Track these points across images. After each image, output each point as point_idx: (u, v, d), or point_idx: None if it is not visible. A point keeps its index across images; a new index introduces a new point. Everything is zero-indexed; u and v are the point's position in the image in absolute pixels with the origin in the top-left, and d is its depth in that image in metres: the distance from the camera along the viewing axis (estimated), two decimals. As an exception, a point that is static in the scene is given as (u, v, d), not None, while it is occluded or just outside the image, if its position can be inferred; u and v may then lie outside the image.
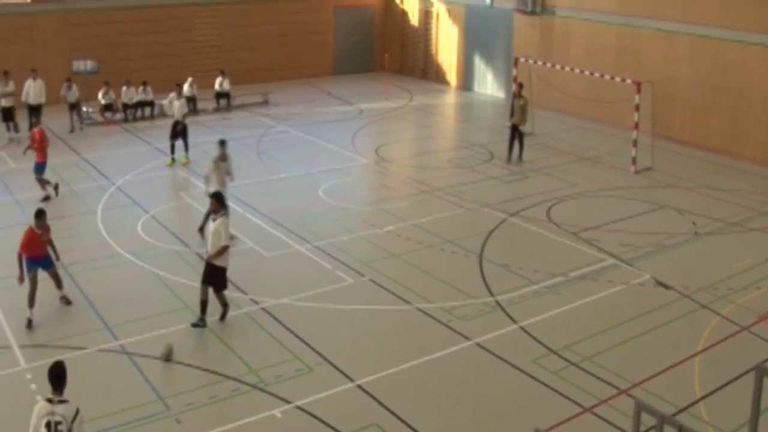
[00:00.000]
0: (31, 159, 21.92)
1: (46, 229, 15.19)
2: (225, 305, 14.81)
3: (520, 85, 25.95)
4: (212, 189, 18.20)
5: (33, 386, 12.82)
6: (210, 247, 14.57)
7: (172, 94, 31.67)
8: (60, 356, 13.48)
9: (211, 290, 14.66)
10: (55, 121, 29.14)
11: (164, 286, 16.37)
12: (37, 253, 14.95)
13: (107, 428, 11.67)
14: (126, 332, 14.48)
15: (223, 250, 14.42)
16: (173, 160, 24.94)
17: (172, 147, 25.04)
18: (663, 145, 26.00)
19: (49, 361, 13.19)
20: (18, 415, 11.99)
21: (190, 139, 25.43)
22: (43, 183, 21.85)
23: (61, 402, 8.87)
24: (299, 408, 12.12)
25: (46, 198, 21.55)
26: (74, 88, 29.16)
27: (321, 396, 12.43)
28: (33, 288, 14.84)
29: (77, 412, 8.89)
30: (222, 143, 19.15)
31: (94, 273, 17.17)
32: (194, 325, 14.44)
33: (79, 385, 12.77)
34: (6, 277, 16.83)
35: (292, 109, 32.67)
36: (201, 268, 16.88)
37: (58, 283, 15.50)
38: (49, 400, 8.86)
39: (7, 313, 15.22)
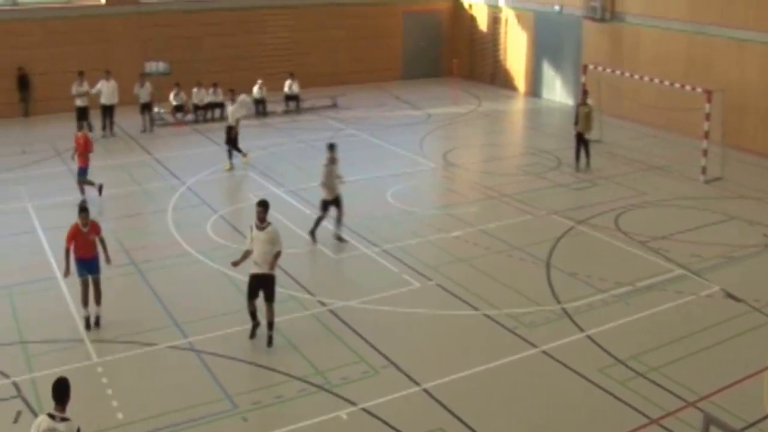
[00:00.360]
0: (104, 156, 22.33)
1: (93, 226, 14.86)
2: (272, 324, 14.21)
3: (585, 93, 25.53)
4: (326, 195, 18.69)
5: (104, 380, 13.15)
6: (258, 257, 14.04)
7: (242, 96, 32.25)
8: (130, 351, 13.97)
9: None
10: (127, 121, 29.77)
11: (232, 285, 16.59)
12: (84, 252, 14.71)
13: (175, 424, 11.89)
14: (195, 330, 14.74)
15: (278, 256, 14.19)
16: (232, 165, 24.93)
17: (229, 152, 25.01)
18: (733, 155, 25.49)
19: (120, 356, 13.76)
20: (88, 408, 12.35)
21: (259, 141, 25.73)
22: (88, 184, 21.94)
23: (64, 420, 8.81)
24: (365, 410, 12.20)
25: (101, 187, 22.01)
26: (147, 85, 29.72)
27: (387, 399, 12.50)
28: (84, 291, 14.84)
29: (78, 431, 8.93)
30: (331, 147, 19.06)
31: (165, 271, 17.52)
32: (252, 337, 14.40)
33: (149, 381, 13.17)
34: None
35: (361, 112, 32.88)
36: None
37: (98, 296, 14.97)
38: (51, 416, 8.83)
39: (79, 307, 15.51)
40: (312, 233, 18.84)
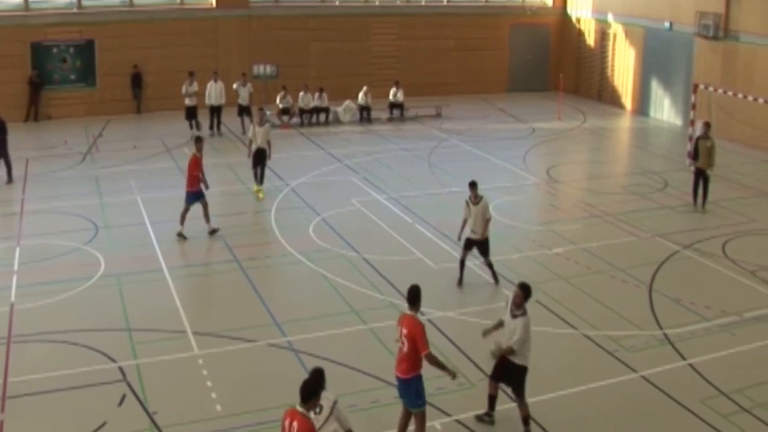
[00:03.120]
0: (212, 155, 22.77)
1: (415, 335, 11.00)
2: (526, 420, 12.01)
3: (707, 125, 23.16)
4: (471, 235, 17.02)
5: (204, 372, 13.44)
6: (504, 343, 11.88)
7: (347, 102, 32.60)
8: (231, 346, 14.33)
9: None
10: (235, 122, 30.31)
11: (332, 288, 16.76)
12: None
13: (269, 420, 11.96)
14: (294, 330, 14.93)
15: (510, 352, 11.81)
16: (261, 189, 23.12)
17: (255, 175, 23.07)
18: None
19: (220, 349, 14.02)
20: (188, 398, 12.69)
21: (363, 147, 25.83)
22: (182, 217, 19.74)
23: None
24: (459, 422, 12.15)
25: (180, 235, 19.59)
26: (249, 86, 30.19)
27: (481, 413, 12.38)
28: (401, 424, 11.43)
29: (335, 402, 9.59)
30: (472, 185, 17.04)
31: (266, 270, 17.87)
32: (478, 418, 12.35)
33: (248, 377, 13.46)
34: (185, 266, 17.77)
35: (465, 123, 32.87)
36: (370, 274, 17.45)
37: None
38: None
39: (184, 300, 16.07)
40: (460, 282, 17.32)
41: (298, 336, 14.66)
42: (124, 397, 12.62)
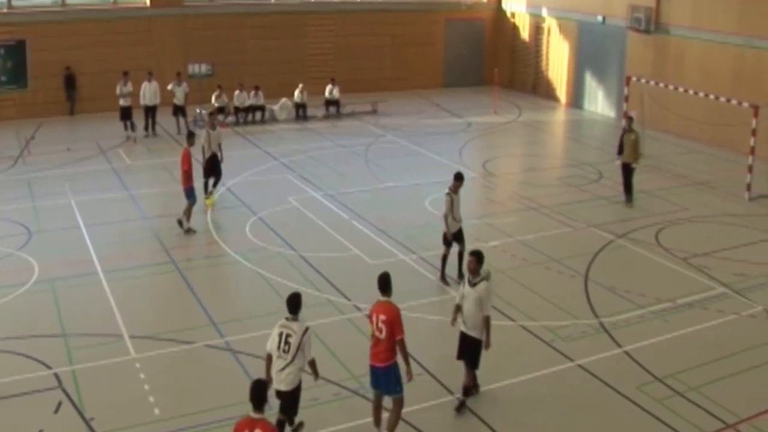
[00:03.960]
0: (146, 155, 22.47)
1: (393, 319, 11.18)
2: (469, 389, 12.66)
3: (630, 119, 23.21)
4: (456, 225, 17.09)
5: (142, 375, 13.28)
6: (467, 316, 12.27)
7: (283, 100, 32.45)
8: (168, 349, 14.18)
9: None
10: (170, 122, 29.95)
11: (269, 287, 16.68)
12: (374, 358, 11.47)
13: (209, 422, 11.96)
14: (231, 330, 14.83)
15: (487, 322, 12.25)
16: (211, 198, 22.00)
17: (206, 185, 21.99)
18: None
19: (157, 352, 13.88)
20: (125, 402, 12.51)
21: (299, 145, 25.73)
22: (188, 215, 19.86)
23: (295, 320, 10.89)
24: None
25: (188, 231, 19.75)
26: (184, 85, 29.81)
27: (421, 407, 12.43)
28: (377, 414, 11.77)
29: (306, 329, 10.89)
30: (459, 177, 17.08)
31: (204, 271, 17.72)
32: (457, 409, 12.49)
33: (186, 379, 13.34)
34: (121, 269, 17.52)
35: (401, 119, 32.90)
36: (307, 271, 17.41)
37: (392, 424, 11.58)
38: (287, 318, 10.93)
39: (120, 303, 15.83)
40: (443, 278, 17.27)
41: (236, 336, 14.57)
42: (60, 404, 12.39)
